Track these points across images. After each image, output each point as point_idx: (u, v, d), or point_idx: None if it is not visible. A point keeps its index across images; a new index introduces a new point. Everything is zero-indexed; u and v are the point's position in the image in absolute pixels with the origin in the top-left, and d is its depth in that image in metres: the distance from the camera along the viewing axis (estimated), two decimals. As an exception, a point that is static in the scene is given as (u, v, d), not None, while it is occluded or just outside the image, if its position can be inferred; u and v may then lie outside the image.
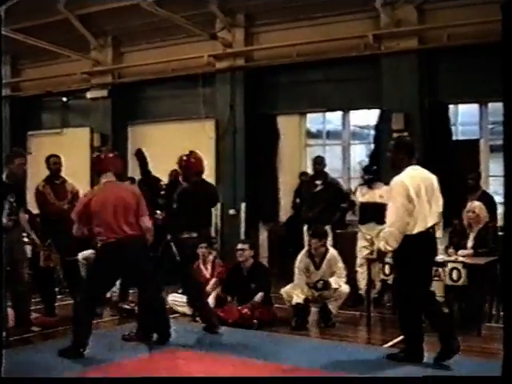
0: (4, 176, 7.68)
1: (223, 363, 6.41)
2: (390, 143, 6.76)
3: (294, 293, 8.50)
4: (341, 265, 8.70)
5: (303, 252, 8.88)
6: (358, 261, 9.98)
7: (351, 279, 9.48)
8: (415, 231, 6.28)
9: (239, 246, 9.05)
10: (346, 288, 8.61)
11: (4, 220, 7.45)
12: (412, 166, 6.46)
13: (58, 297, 9.60)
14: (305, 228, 10.23)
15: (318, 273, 8.62)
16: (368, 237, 9.80)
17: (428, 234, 6.42)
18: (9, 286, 7.55)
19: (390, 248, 6.32)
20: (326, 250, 8.75)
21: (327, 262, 8.63)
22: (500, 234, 9.17)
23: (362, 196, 10.10)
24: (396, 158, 6.51)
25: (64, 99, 16.63)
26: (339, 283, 8.48)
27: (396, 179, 6.38)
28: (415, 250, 6.35)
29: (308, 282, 8.62)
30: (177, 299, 9.36)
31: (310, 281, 8.61)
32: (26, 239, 8.28)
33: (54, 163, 9.02)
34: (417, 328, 6.50)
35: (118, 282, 10.01)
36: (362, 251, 9.98)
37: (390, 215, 6.29)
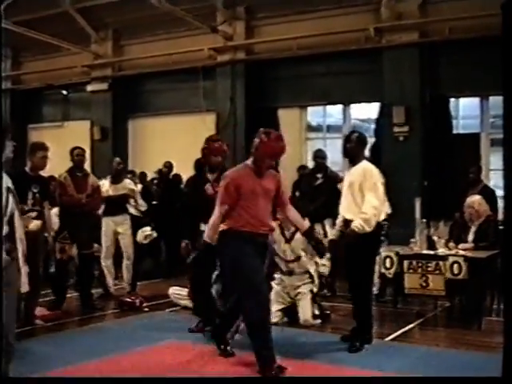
0: (28, 167, 7.78)
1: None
2: (352, 136, 7.00)
3: None
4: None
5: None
6: None
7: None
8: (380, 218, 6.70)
9: None
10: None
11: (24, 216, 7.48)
12: (366, 161, 6.89)
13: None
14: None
15: (287, 246, 8.26)
16: None
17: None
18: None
19: (368, 229, 6.50)
20: None
21: (299, 235, 7.86)
22: (501, 227, 9.21)
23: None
24: (356, 151, 6.88)
25: (64, 92, 16.64)
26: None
27: (371, 167, 6.76)
28: (379, 236, 6.85)
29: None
30: (177, 292, 9.35)
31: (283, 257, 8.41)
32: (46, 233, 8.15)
33: (77, 155, 9.03)
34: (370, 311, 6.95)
35: (126, 274, 10.10)
36: None
37: (372, 200, 6.53)
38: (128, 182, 10.25)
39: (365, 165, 6.77)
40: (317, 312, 8.18)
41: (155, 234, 10.53)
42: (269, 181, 6.20)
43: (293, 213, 6.42)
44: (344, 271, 7.93)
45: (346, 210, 6.82)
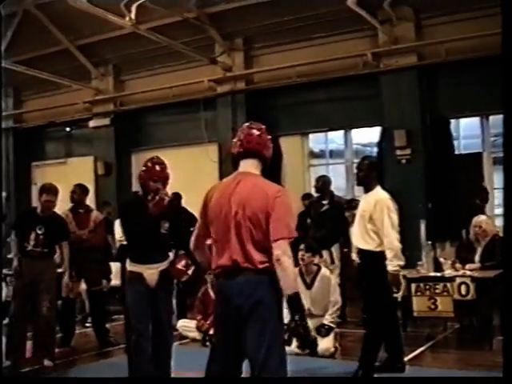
0: (39, 208, 7.92)
1: None
2: (362, 163, 6.95)
3: None
4: (334, 282, 8.41)
5: None
6: None
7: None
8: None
9: None
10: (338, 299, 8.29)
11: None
12: (379, 186, 6.76)
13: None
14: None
15: (307, 293, 7.97)
16: None
17: None
18: (31, 317, 7.75)
19: (402, 262, 6.41)
20: (318, 269, 8.31)
21: (320, 281, 8.18)
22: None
23: None
24: (369, 177, 6.80)
25: (67, 129, 16.71)
26: (331, 317, 8.09)
27: (383, 196, 6.62)
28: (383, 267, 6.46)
29: None
30: (186, 324, 9.32)
31: None
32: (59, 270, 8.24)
33: (73, 192, 9.07)
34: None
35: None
36: None
37: (392, 232, 6.39)
38: None
39: (377, 194, 6.65)
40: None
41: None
42: None
43: None
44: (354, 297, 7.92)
45: (358, 238, 6.74)
